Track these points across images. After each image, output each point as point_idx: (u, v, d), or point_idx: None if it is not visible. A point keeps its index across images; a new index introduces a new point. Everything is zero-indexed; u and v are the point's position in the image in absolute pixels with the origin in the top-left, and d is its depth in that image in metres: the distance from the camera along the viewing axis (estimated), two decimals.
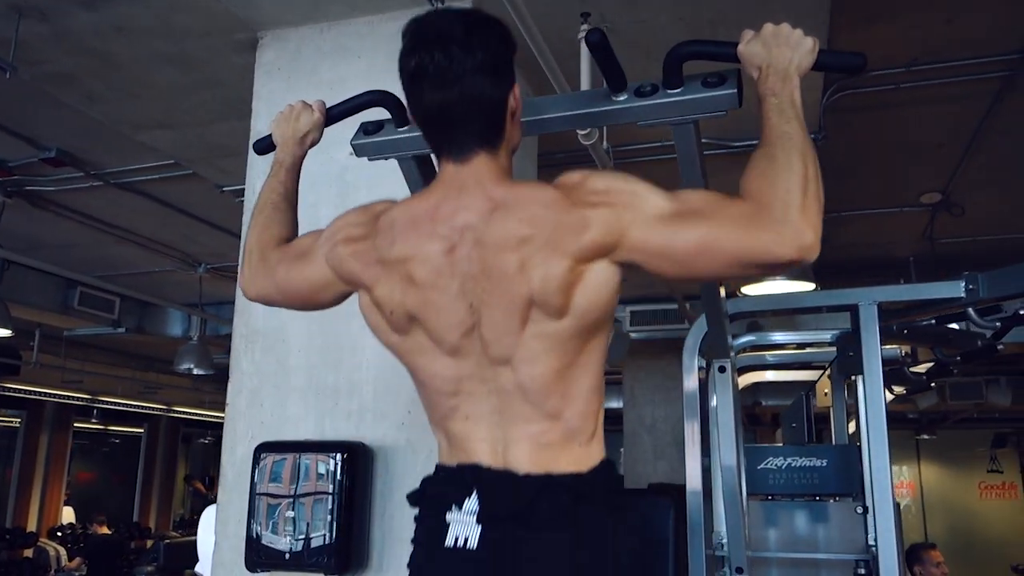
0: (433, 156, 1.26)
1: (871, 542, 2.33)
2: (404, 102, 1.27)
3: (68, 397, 10.24)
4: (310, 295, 1.36)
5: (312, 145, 1.54)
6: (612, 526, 1.13)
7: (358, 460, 2.09)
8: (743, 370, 3.28)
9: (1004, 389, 7.41)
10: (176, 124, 3.22)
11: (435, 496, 1.19)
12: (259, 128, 2.55)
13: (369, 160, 1.51)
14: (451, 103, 1.16)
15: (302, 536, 2.01)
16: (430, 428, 1.31)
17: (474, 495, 1.12)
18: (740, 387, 3.17)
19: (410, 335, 1.21)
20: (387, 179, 2.33)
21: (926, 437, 11.34)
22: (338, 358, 2.28)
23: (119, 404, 11.00)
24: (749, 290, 3.43)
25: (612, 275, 1.13)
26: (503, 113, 1.20)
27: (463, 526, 1.11)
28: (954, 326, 2.31)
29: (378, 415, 2.21)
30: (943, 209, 4.56)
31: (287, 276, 1.35)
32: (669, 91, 1.27)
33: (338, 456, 2.06)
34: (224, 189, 4.01)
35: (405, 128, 1.42)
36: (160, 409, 11.88)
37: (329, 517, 2.02)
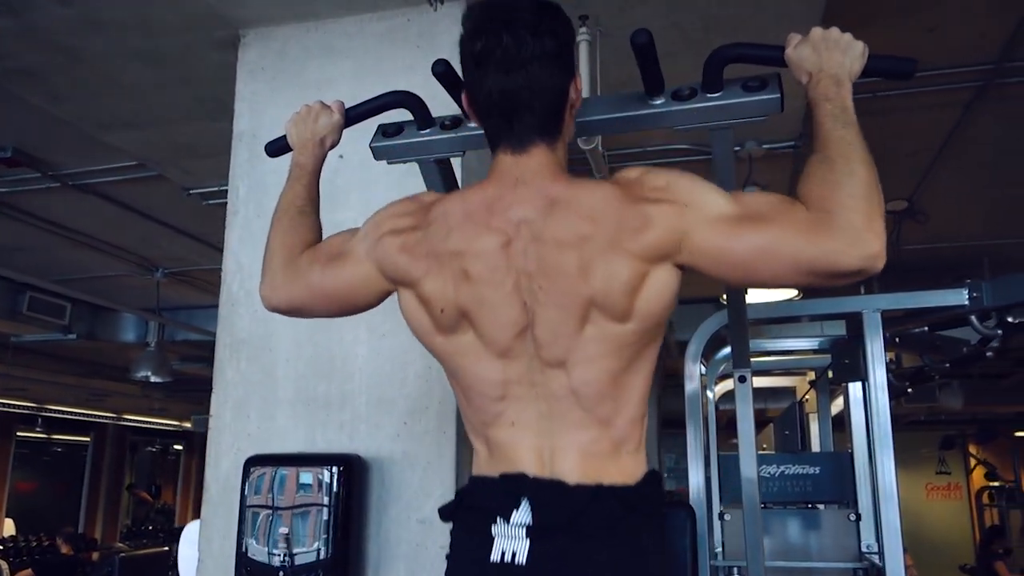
0: (489, 147, 1.21)
1: (864, 549, 2.35)
2: (462, 89, 1.22)
3: (11, 405, 9.85)
4: (348, 297, 1.29)
5: (332, 147, 1.47)
6: (659, 540, 1.11)
7: (354, 473, 2.02)
8: (722, 377, 3.28)
9: (956, 392, 7.59)
10: (145, 124, 3.10)
11: (477, 508, 1.13)
12: (241, 129, 2.46)
13: (388, 163, 1.45)
14: (516, 89, 1.11)
15: (297, 551, 1.94)
16: (467, 435, 1.25)
17: (524, 506, 1.07)
18: (718, 394, 3.17)
19: (458, 334, 1.16)
20: (379, 182, 2.28)
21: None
22: (329, 368, 2.21)
23: (65, 412, 10.62)
24: None
25: (674, 278, 1.10)
26: (565, 104, 1.17)
27: (511, 540, 1.06)
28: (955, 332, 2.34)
29: (372, 426, 2.14)
30: (908, 216, 4.65)
31: (322, 279, 1.28)
32: (709, 95, 1.23)
33: (334, 469, 1.99)
34: (191, 192, 3.88)
35: (427, 131, 1.37)
36: (108, 417, 11.51)
37: (325, 532, 1.95)
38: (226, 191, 3.80)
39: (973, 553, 10.17)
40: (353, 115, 1.43)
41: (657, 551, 1.09)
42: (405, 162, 1.42)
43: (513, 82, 1.10)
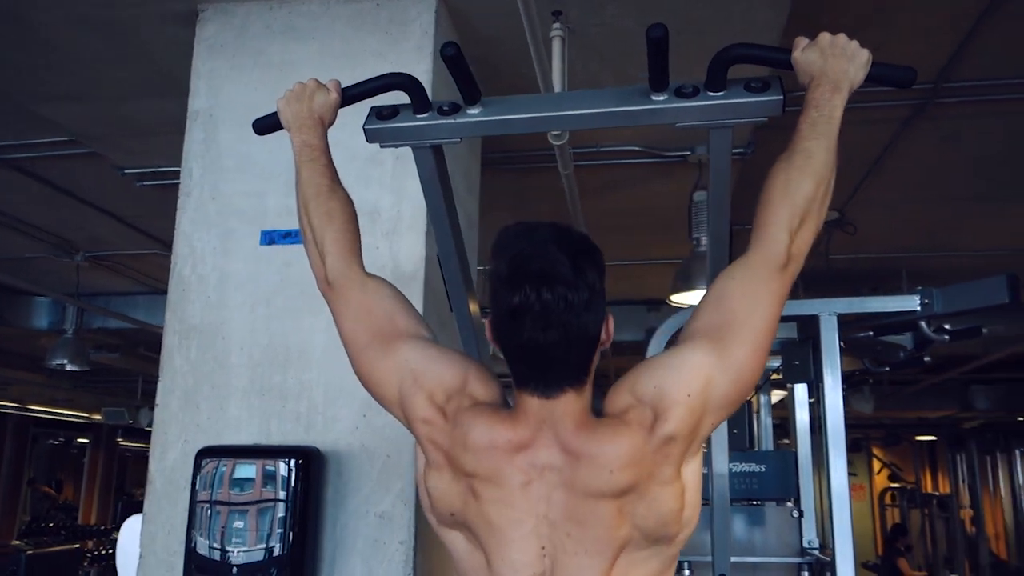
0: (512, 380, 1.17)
1: (806, 544, 2.42)
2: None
3: None
4: (367, 382, 1.30)
5: (329, 126, 1.42)
6: None
7: (313, 466, 1.96)
8: None
9: (867, 397, 7.92)
10: (87, 97, 2.94)
11: None
12: (197, 107, 2.37)
13: (381, 147, 1.41)
14: (553, 343, 1.07)
15: (252, 547, 1.87)
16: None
17: None
18: None
19: (463, 537, 1.15)
20: (347, 170, 2.21)
21: (786, 442, 12.02)
22: (285, 358, 2.14)
23: None
24: (678, 299, 3.50)
25: (699, 466, 1.13)
26: (596, 348, 1.13)
27: None
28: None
29: (330, 419, 2.09)
30: (838, 227, 4.82)
31: (362, 348, 1.28)
32: (712, 93, 1.24)
33: (292, 462, 1.93)
34: (126, 171, 3.71)
35: (425, 115, 1.34)
36: (10, 407, 10.92)
37: (281, 527, 1.89)
38: (165, 172, 3.70)
39: (875, 551, 10.64)
40: (349, 95, 1.39)
41: None
42: (399, 146, 1.38)
43: (549, 338, 1.06)
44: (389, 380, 1.22)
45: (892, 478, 11.20)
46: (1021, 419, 9.19)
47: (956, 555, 9.97)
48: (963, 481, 10.37)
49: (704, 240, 3.35)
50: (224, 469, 1.94)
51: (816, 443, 2.59)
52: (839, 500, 1.91)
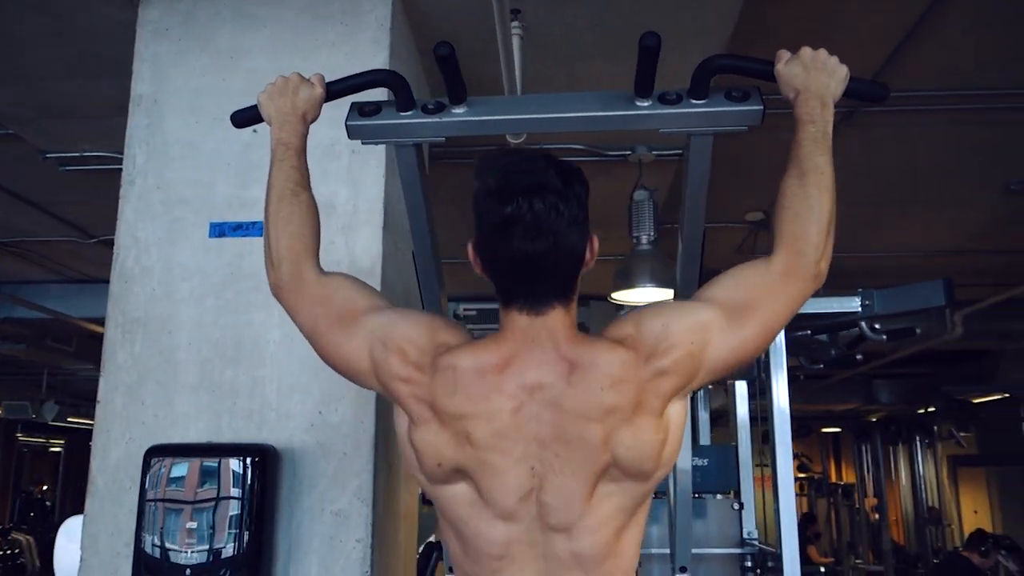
0: (498, 301, 1.18)
1: (745, 536, 2.51)
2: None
3: None
4: (338, 365, 1.26)
5: (312, 122, 1.39)
6: None
7: (269, 464, 1.92)
8: None
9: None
10: (15, 77, 2.79)
11: None
12: (140, 92, 2.28)
13: (363, 144, 1.39)
14: (541, 254, 1.10)
15: (206, 547, 1.82)
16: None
17: None
18: None
19: (453, 486, 1.14)
20: None
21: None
22: (237, 353, 2.09)
23: None
24: (619, 296, 3.56)
25: (684, 409, 1.16)
26: (581, 265, 1.16)
27: None
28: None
29: (284, 415, 2.05)
30: (763, 227, 4.99)
31: (324, 336, 1.24)
32: (694, 101, 1.28)
33: (248, 460, 1.89)
34: (47, 155, 3.53)
35: (408, 113, 1.32)
36: None
37: (236, 527, 1.84)
38: (91, 157, 3.54)
39: None
40: (334, 91, 1.36)
41: None
42: (380, 143, 1.37)
43: (538, 248, 1.09)
44: (359, 355, 1.20)
45: (801, 468, 11.67)
46: (920, 412, 9.72)
47: (860, 542, 10.48)
48: (868, 471, 10.90)
49: (644, 239, 3.42)
50: (175, 468, 1.88)
51: (754, 437, 2.70)
52: (785, 493, 1.99)
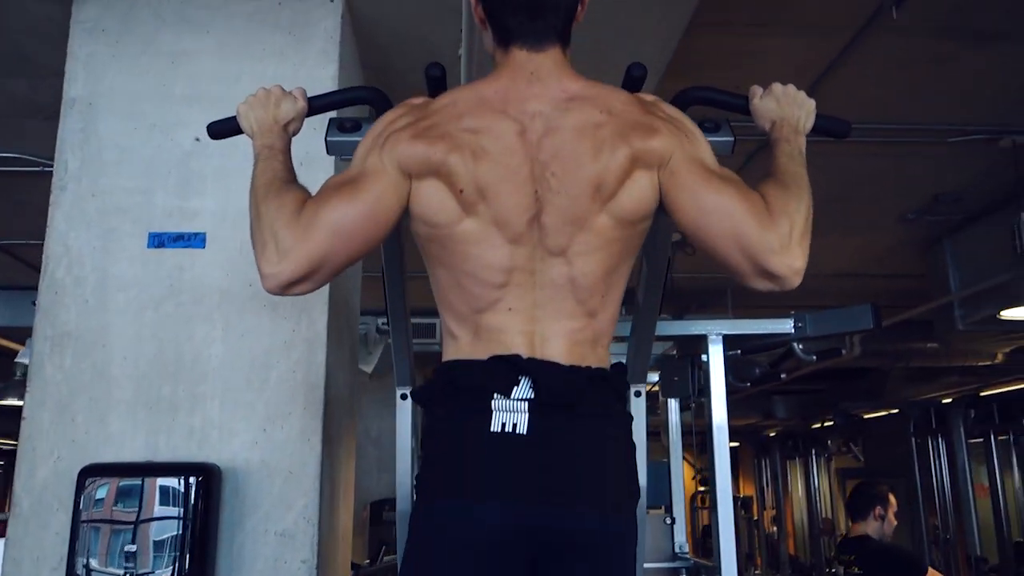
0: (495, 44, 1.25)
1: (677, 550, 2.58)
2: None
3: None
4: (375, 220, 1.16)
5: (294, 134, 1.35)
6: (629, 419, 1.25)
7: (213, 483, 1.86)
8: None
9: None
10: None
11: (472, 386, 1.14)
12: (73, 95, 2.18)
13: (341, 160, 1.37)
14: None
15: (146, 571, 1.75)
16: (446, 323, 1.25)
17: (524, 383, 1.12)
18: None
19: (472, 218, 1.16)
20: (242, 171, 2.11)
21: None
22: (177, 368, 2.01)
23: None
24: None
25: (651, 187, 1.19)
26: (576, 12, 1.25)
27: (511, 414, 1.11)
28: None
29: (227, 433, 1.99)
30: (679, 249, 5.15)
31: (344, 213, 1.13)
32: None
33: (191, 479, 1.82)
34: None
35: None
36: None
37: (178, 549, 1.78)
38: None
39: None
40: (316, 106, 1.34)
41: (629, 429, 1.24)
42: None
43: None
44: (376, 184, 1.16)
45: (702, 482, 12.02)
46: (815, 427, 10.19)
47: (758, 553, 10.87)
48: (766, 484, 11.33)
49: None
50: (112, 488, 1.80)
51: (693, 453, 2.78)
52: (724, 508, 2.06)
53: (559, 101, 1.18)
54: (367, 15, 2.38)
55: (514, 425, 1.10)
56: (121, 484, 1.79)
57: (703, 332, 2.22)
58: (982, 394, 6.76)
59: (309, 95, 1.37)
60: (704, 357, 2.25)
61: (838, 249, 5.34)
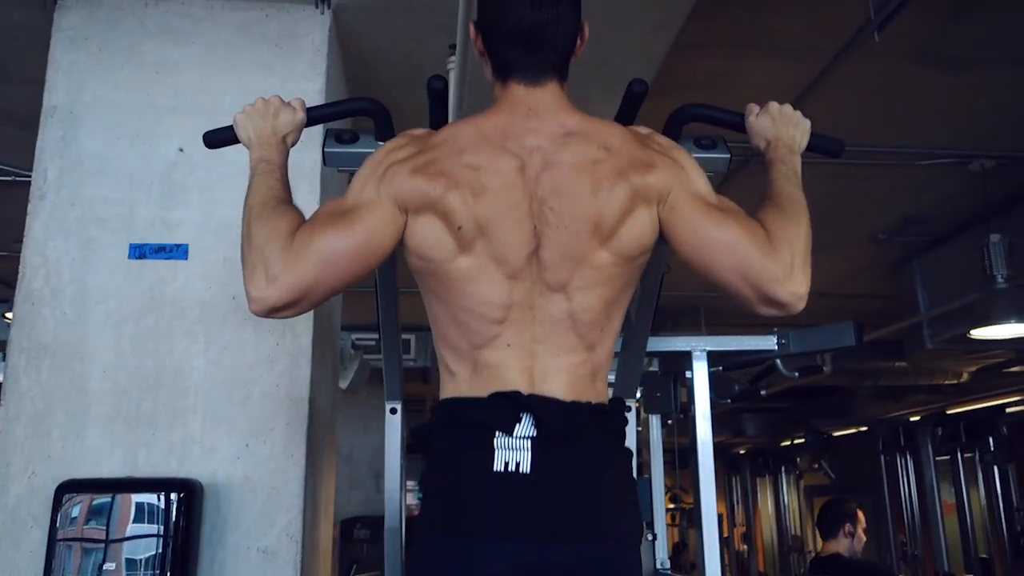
0: (494, 78, 1.24)
1: (658, 566, 2.58)
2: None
3: None
4: (367, 250, 1.15)
5: (292, 146, 1.34)
6: (629, 454, 1.23)
7: (196, 500, 1.83)
8: None
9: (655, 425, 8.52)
10: None
11: (474, 423, 1.13)
12: (54, 103, 2.14)
13: (339, 171, 1.36)
14: (545, 23, 1.17)
15: None
16: (444, 360, 1.23)
17: (526, 420, 1.11)
18: None
19: (471, 255, 1.15)
20: (226, 182, 2.13)
21: None
22: (157, 382, 1.98)
23: None
24: None
25: (650, 224, 1.19)
26: (575, 45, 1.24)
27: (514, 451, 1.10)
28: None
29: (208, 448, 1.95)
30: None
31: (336, 243, 1.12)
32: None
33: (173, 495, 1.79)
34: None
35: None
36: None
37: (159, 568, 1.74)
38: None
39: None
40: (314, 116, 1.33)
41: (629, 464, 1.23)
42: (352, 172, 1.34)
43: (542, 16, 1.17)
44: (371, 216, 1.15)
45: (672, 499, 12.05)
46: (784, 444, 10.29)
47: (728, 570, 10.90)
48: (737, 501, 11.39)
49: None
50: (91, 504, 1.76)
51: (667, 470, 2.79)
52: (708, 525, 2.07)
53: (557, 136, 1.18)
54: (354, 29, 2.38)
55: (517, 464, 1.09)
56: (100, 500, 1.75)
57: (687, 348, 2.23)
58: (948, 412, 6.88)
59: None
60: (688, 374, 2.26)
61: (810, 268, 5.41)
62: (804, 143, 1.35)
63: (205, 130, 2.15)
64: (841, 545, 3.43)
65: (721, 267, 1.17)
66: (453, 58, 2.32)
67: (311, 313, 2.06)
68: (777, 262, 1.15)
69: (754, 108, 1.37)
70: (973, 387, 7.11)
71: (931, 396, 7.51)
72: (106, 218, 2.07)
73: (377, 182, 1.16)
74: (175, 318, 2.02)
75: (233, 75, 2.20)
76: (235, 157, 2.12)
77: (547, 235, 1.14)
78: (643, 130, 1.27)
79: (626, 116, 1.30)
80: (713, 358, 2.18)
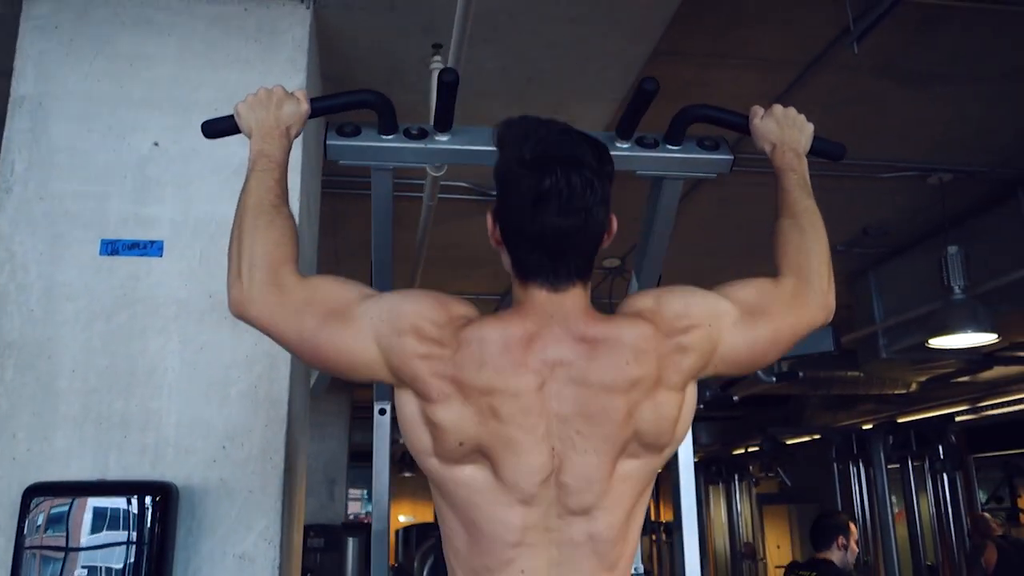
0: (512, 273, 1.14)
1: (633, 571, 2.58)
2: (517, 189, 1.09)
3: None
4: (337, 364, 1.13)
5: (295, 138, 1.30)
6: None
7: (172, 504, 1.76)
8: None
9: None
10: None
11: None
12: (22, 93, 2.07)
13: (340, 163, 1.33)
14: (573, 231, 1.07)
15: None
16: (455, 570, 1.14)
17: None
18: None
19: (467, 467, 1.08)
20: (203, 179, 2.08)
21: None
22: (129, 382, 1.91)
23: None
24: None
25: (692, 404, 1.15)
26: (601, 244, 1.15)
27: None
28: None
29: (182, 451, 1.89)
30: (618, 273, 5.22)
31: (315, 333, 1.10)
32: (670, 147, 1.34)
33: (148, 499, 1.72)
34: None
35: (391, 137, 1.29)
36: None
37: (131, 575, 1.67)
38: None
39: None
40: (317, 108, 1.30)
41: None
42: (360, 165, 1.32)
43: (570, 224, 1.06)
44: (361, 345, 1.10)
45: None
46: (737, 452, 10.42)
47: None
48: None
49: None
50: (61, 509, 1.68)
51: None
52: (689, 531, 2.06)
53: (581, 348, 1.09)
54: (335, 26, 2.35)
55: None
56: (71, 505, 1.68)
57: None
58: (899, 421, 7.05)
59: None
60: None
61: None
62: (808, 146, 1.37)
63: (182, 125, 2.12)
64: (834, 556, 3.48)
65: (778, 352, 1.22)
66: (437, 58, 2.31)
67: None
68: (810, 305, 1.23)
69: (759, 110, 1.38)
70: (921, 397, 7.30)
71: (880, 406, 7.68)
72: (76, 213, 2.00)
73: (389, 329, 1.09)
74: (149, 316, 1.96)
75: (210, 70, 2.15)
76: (212, 152, 2.10)
77: (571, 459, 1.06)
78: (648, 305, 1.16)
79: (635, 114, 1.29)
80: None
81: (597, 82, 2.71)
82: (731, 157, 1.36)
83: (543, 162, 1.06)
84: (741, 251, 4.86)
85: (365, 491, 13.29)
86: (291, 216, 1.22)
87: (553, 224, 1.06)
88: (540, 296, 1.10)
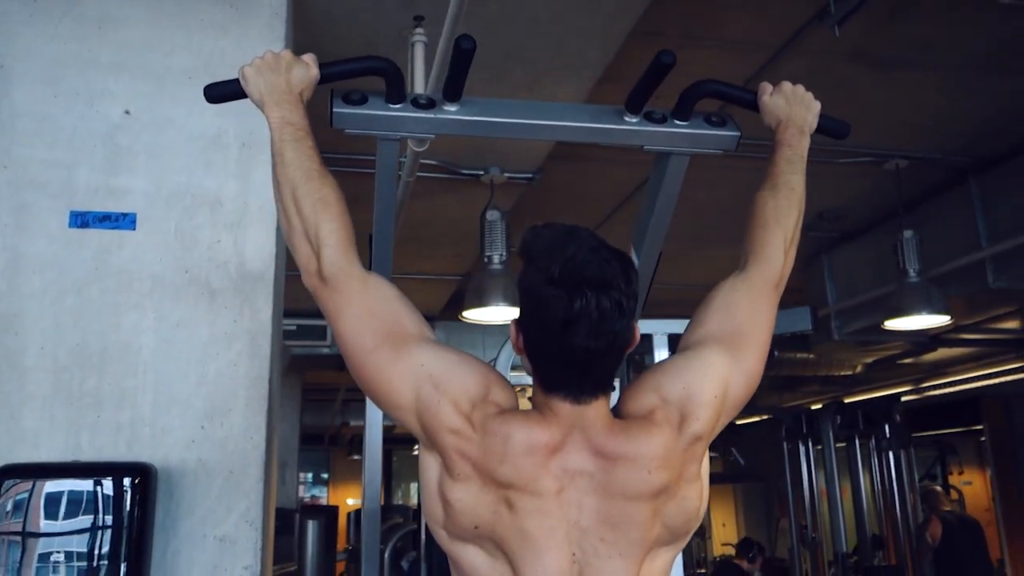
0: (535, 381, 1.12)
1: None
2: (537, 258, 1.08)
3: None
4: (374, 391, 1.13)
5: (305, 103, 1.25)
6: None
7: (151, 485, 1.71)
8: None
9: None
10: None
11: None
12: None
13: (345, 132, 1.28)
14: (601, 352, 1.05)
15: None
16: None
17: None
18: None
19: (478, 550, 1.08)
20: (177, 149, 2.01)
21: None
22: (102, 359, 1.84)
23: None
24: (470, 315, 3.55)
25: (706, 477, 1.16)
26: (624, 357, 1.12)
27: None
28: None
29: (159, 430, 1.83)
30: None
31: (368, 353, 1.12)
32: (678, 122, 1.33)
33: (126, 481, 1.66)
34: None
35: (398, 106, 1.25)
36: None
37: (112, 559, 1.61)
38: None
39: None
40: (326, 74, 1.24)
41: None
42: (367, 135, 1.27)
43: (598, 345, 1.05)
44: (403, 386, 1.10)
45: None
46: None
47: None
48: None
49: (496, 259, 3.46)
50: (34, 492, 1.61)
51: None
52: None
53: (602, 463, 1.08)
54: None
55: None
56: (45, 487, 1.61)
57: (649, 332, 2.25)
58: (846, 401, 7.25)
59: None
60: (647, 359, 2.27)
61: (725, 261, 5.58)
62: (815, 124, 1.38)
63: (154, 93, 2.04)
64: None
65: (764, 355, 1.23)
66: (419, 30, 2.26)
67: (271, 287, 1.96)
68: (771, 278, 1.26)
69: (767, 87, 1.38)
70: (867, 378, 7.52)
71: (825, 387, 7.88)
72: (43, 182, 1.91)
73: (428, 385, 1.09)
74: (122, 291, 1.88)
75: (183, 33, 2.07)
76: (186, 122, 2.03)
77: (594, 564, 1.06)
78: (653, 400, 1.14)
79: (647, 88, 1.27)
80: (674, 343, 2.19)
81: (575, 59, 2.68)
82: (738, 134, 1.35)
83: (573, 284, 1.03)
84: (696, 237, 4.93)
85: (311, 474, 13.31)
86: (336, 183, 1.19)
87: (582, 346, 1.04)
88: (564, 408, 1.09)
